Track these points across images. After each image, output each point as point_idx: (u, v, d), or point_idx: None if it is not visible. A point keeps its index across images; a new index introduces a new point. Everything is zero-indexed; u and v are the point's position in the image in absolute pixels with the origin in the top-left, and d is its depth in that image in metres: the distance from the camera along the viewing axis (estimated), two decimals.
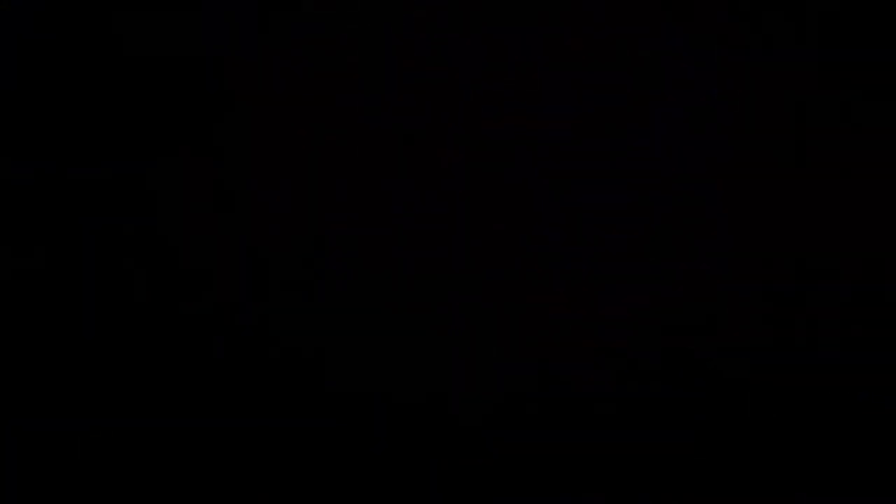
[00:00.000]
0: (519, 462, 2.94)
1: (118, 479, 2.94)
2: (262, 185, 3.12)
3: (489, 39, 3.14)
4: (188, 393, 2.99)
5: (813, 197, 3.05)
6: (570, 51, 3.12)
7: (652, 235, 3.05)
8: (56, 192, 3.07)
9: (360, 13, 3.15)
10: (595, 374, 2.96)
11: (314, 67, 3.15)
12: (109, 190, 3.09)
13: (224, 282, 3.08)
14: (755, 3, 3.06)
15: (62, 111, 3.10)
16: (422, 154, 3.13)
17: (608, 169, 3.10)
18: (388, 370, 3.01)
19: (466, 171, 3.12)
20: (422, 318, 3.03)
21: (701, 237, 3.04)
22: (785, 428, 2.91)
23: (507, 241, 3.08)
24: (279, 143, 3.14)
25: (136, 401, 2.99)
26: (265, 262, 3.10)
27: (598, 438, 2.94)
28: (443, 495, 2.94)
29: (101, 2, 3.12)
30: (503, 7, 3.12)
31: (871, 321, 2.94)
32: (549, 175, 3.11)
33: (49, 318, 3.02)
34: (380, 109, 3.14)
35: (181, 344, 3.02)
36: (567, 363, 2.98)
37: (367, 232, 3.12)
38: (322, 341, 3.03)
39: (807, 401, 2.91)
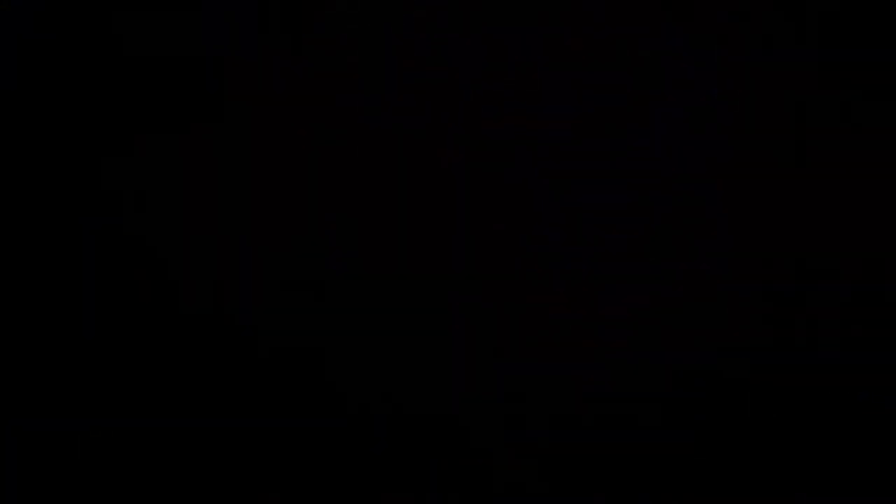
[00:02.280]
0: (519, 462, 2.94)
1: (118, 479, 2.94)
2: (262, 184, 3.12)
3: (489, 39, 3.14)
4: (188, 393, 2.99)
5: (813, 197, 3.04)
6: (570, 51, 3.12)
7: (652, 235, 3.05)
8: (56, 192, 3.07)
9: (360, 13, 3.15)
10: (595, 374, 2.96)
11: (314, 67, 3.15)
12: (110, 190, 3.09)
13: (224, 281, 3.07)
14: (755, 3, 3.06)
15: (62, 111, 3.10)
16: (422, 154, 3.13)
17: (608, 169, 3.10)
18: (388, 370, 3.00)
19: (466, 171, 3.12)
20: (422, 318, 3.03)
21: (701, 237, 3.04)
22: (785, 428, 2.91)
23: (507, 241, 3.08)
24: (279, 143, 3.14)
25: (136, 401, 2.99)
26: (265, 261, 3.10)
27: (597, 439, 2.93)
28: (443, 495, 2.94)
29: (101, 2, 3.12)
30: (503, 7, 3.12)
31: (871, 321, 2.94)
32: (549, 175, 3.10)
33: (49, 318, 3.02)
34: (380, 109, 3.14)
35: (181, 344, 3.02)
36: (567, 363, 2.98)
37: (367, 232, 3.12)
38: (322, 341, 3.03)
39: (807, 401, 2.91)
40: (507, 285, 3.04)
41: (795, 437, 2.90)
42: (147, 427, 2.97)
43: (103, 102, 3.11)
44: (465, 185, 3.11)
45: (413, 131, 3.13)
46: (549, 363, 2.98)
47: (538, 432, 2.95)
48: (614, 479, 2.92)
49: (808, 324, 2.95)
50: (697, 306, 2.98)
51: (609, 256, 3.04)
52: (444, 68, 3.14)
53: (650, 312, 2.99)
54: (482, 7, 3.12)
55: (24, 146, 3.09)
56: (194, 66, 3.12)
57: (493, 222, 3.09)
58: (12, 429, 2.94)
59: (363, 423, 2.97)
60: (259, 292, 3.06)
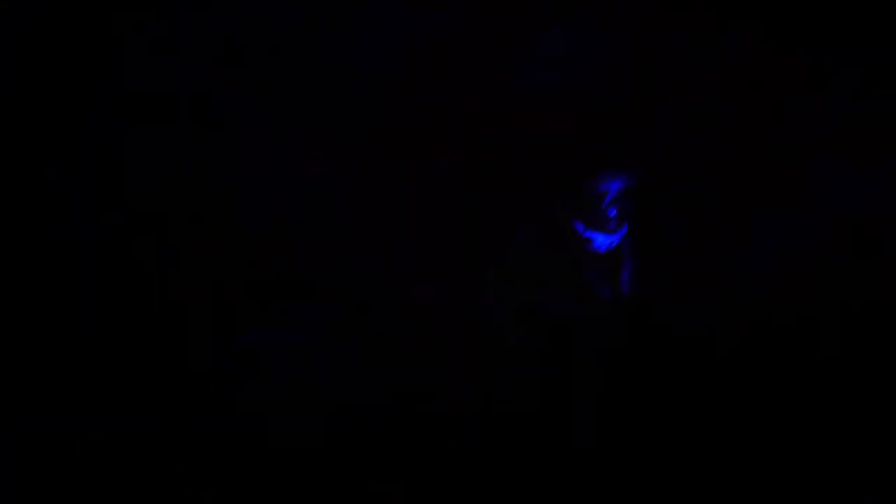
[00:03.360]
0: (519, 461, 2.94)
1: (118, 479, 2.93)
2: (262, 184, 3.13)
3: (489, 39, 3.15)
4: (188, 393, 2.99)
5: (812, 196, 3.06)
6: (571, 50, 3.12)
7: (652, 235, 3.06)
8: (56, 192, 3.07)
9: (361, 13, 3.15)
10: (595, 373, 2.96)
11: (314, 67, 3.15)
12: (109, 190, 3.09)
13: (223, 282, 3.08)
14: (756, 4, 3.07)
15: (62, 111, 3.10)
16: (422, 154, 3.14)
17: (608, 168, 3.11)
18: (386, 369, 3.00)
19: (466, 171, 3.12)
20: (421, 317, 3.03)
21: (701, 237, 3.05)
22: (785, 427, 2.90)
23: (506, 241, 3.09)
24: (279, 143, 3.14)
25: (136, 401, 2.98)
26: (265, 262, 3.10)
27: (596, 437, 2.93)
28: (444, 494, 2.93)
29: (101, 2, 3.11)
30: (504, 7, 3.13)
31: (870, 320, 2.94)
32: (550, 175, 3.11)
33: (49, 319, 3.02)
34: (380, 109, 3.14)
35: (181, 345, 3.02)
36: (567, 362, 2.97)
37: (367, 231, 3.12)
38: (321, 341, 3.02)
39: (807, 400, 2.91)
40: (506, 284, 3.05)
41: (795, 436, 2.90)
42: (146, 427, 2.96)
43: (103, 102, 3.11)
44: (466, 184, 3.12)
45: (413, 131, 3.13)
46: (550, 362, 2.98)
47: (538, 431, 2.94)
48: (614, 478, 2.91)
49: (808, 323, 2.95)
50: (698, 306, 2.99)
51: (609, 255, 3.05)
52: (443, 68, 3.15)
53: (650, 312, 3.00)
54: (482, 7, 3.13)
55: (24, 146, 3.08)
56: (194, 66, 3.13)
57: (493, 222, 3.10)
58: (12, 429, 2.93)
59: (363, 423, 2.97)
60: (258, 292, 3.07)
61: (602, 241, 2.96)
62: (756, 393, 2.91)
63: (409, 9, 3.12)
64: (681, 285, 3.04)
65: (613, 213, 2.90)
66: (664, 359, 2.93)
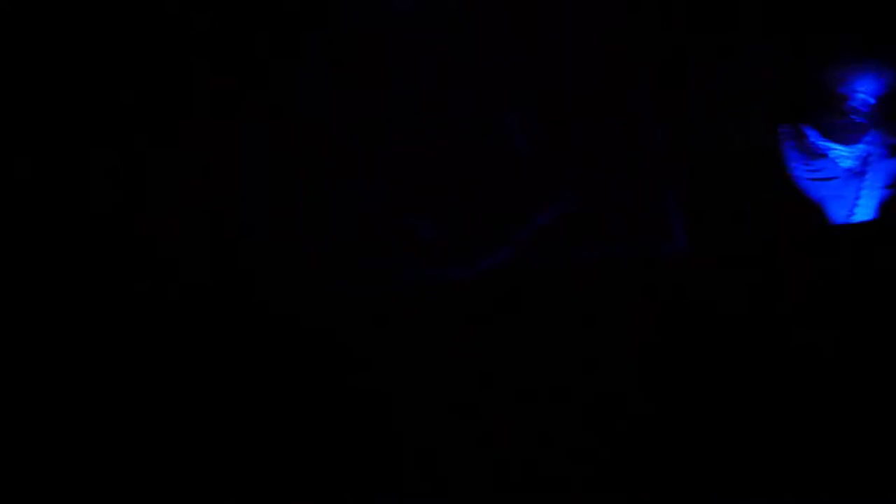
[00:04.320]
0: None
1: (117, 478, 2.94)
2: (259, 184, 3.13)
3: (489, 40, 3.15)
4: (188, 393, 3.00)
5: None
6: (570, 50, 3.13)
7: (652, 234, 3.07)
8: (56, 191, 3.08)
9: (362, 14, 3.15)
10: (595, 371, 2.96)
11: (314, 68, 3.16)
12: (108, 190, 3.10)
13: (221, 281, 3.08)
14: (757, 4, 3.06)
15: (62, 111, 3.11)
16: (419, 153, 3.14)
17: (608, 168, 3.11)
18: (385, 368, 3.01)
19: (467, 170, 3.13)
20: (420, 315, 3.04)
21: (701, 237, 3.05)
22: (785, 427, 2.90)
23: (506, 239, 3.09)
24: (279, 144, 3.15)
25: (137, 401, 2.99)
26: (263, 262, 3.11)
27: (597, 437, 2.94)
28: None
29: (101, 2, 3.12)
30: (504, 7, 3.13)
31: (870, 320, 2.94)
32: (550, 175, 3.12)
33: (49, 318, 3.02)
34: (380, 109, 3.15)
35: (180, 345, 3.03)
36: (567, 361, 2.98)
37: (367, 230, 3.13)
38: (319, 341, 3.03)
39: (806, 399, 2.91)
40: (507, 284, 3.06)
41: (795, 436, 2.89)
42: (146, 427, 2.97)
43: (101, 102, 3.11)
44: (465, 183, 3.13)
45: (412, 131, 3.14)
46: (551, 361, 2.98)
47: (537, 431, 2.95)
48: (613, 477, 2.91)
49: (808, 322, 2.95)
50: (699, 305, 2.99)
51: (610, 254, 3.06)
52: (444, 68, 3.15)
53: (651, 311, 3.00)
54: (483, 7, 3.13)
55: (24, 145, 3.09)
56: (192, 66, 3.13)
57: (493, 221, 3.11)
58: (12, 429, 2.95)
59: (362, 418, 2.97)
60: (256, 291, 3.08)
61: (840, 154, 2.47)
62: None
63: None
64: None
65: (860, 120, 2.35)
66: None
